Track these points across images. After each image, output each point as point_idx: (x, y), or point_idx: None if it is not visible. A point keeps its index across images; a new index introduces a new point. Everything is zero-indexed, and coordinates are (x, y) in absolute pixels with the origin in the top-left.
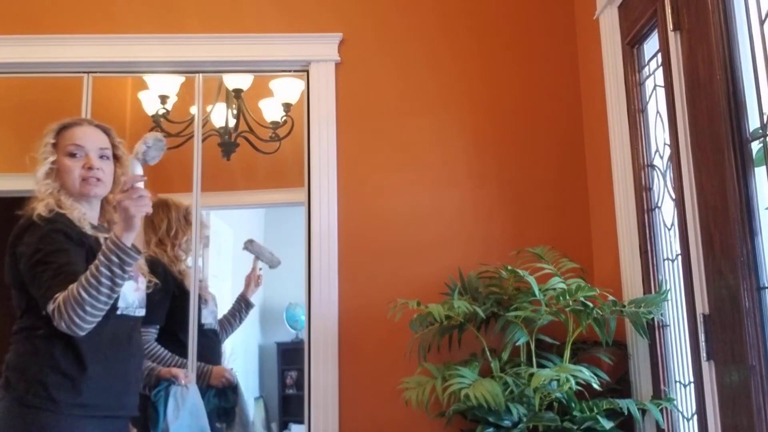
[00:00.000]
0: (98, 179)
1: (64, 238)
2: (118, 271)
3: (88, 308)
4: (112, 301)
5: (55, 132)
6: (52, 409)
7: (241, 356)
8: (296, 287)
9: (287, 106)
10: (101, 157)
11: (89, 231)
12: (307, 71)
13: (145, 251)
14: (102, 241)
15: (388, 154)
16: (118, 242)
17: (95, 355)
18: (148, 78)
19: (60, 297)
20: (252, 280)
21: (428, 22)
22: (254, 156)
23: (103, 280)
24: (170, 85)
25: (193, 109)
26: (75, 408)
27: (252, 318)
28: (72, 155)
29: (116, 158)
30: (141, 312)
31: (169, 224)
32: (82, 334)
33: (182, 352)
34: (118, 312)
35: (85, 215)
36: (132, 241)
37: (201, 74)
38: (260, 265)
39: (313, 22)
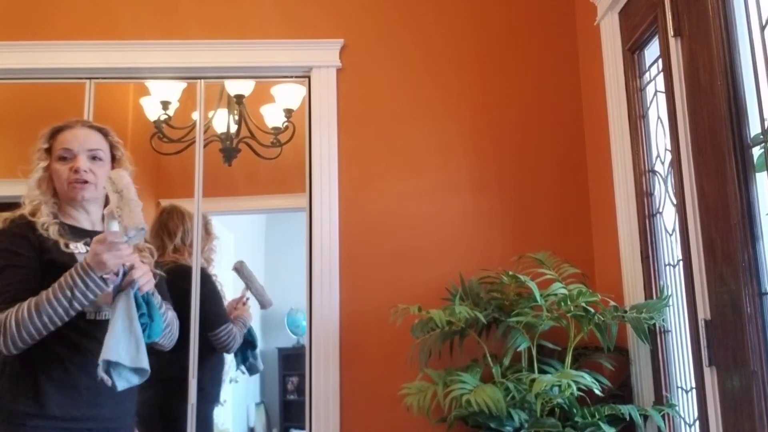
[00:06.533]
0: (85, 181)
1: (16, 252)
2: (80, 296)
3: (32, 329)
4: (59, 324)
5: (48, 137)
6: (10, 421)
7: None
8: (297, 293)
9: (288, 112)
10: (93, 158)
11: (54, 236)
12: (309, 77)
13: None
14: (62, 246)
15: (390, 159)
16: (88, 270)
17: (58, 364)
18: (150, 84)
19: (5, 315)
20: (235, 305)
21: (429, 28)
22: (255, 161)
23: (63, 301)
24: (172, 90)
25: (195, 115)
26: (37, 419)
27: (253, 323)
28: (62, 159)
29: (115, 159)
30: None
31: (184, 232)
32: (16, 353)
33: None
34: (88, 317)
35: (56, 224)
36: (108, 274)
37: (203, 80)
38: (248, 295)
39: (315, 28)
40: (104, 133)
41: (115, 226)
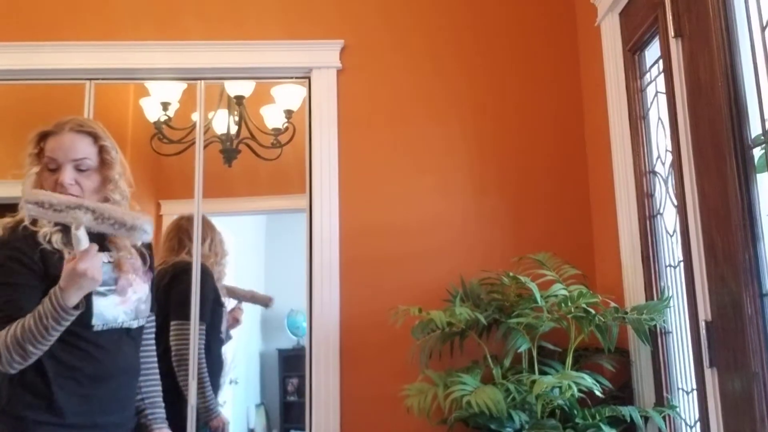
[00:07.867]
0: (73, 196)
1: (19, 266)
2: (52, 329)
3: (22, 352)
4: (46, 346)
5: (36, 141)
6: (22, 429)
7: (243, 363)
8: (297, 294)
9: (289, 113)
10: (79, 168)
11: (58, 246)
12: (309, 78)
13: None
14: (68, 256)
15: (390, 160)
16: (60, 300)
17: (69, 376)
18: (150, 85)
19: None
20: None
21: (429, 29)
22: (256, 162)
23: (37, 331)
24: (172, 91)
25: (195, 116)
26: (51, 427)
27: (253, 325)
28: (50, 169)
29: (104, 162)
30: (134, 324)
31: (212, 242)
32: (13, 372)
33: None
34: (95, 329)
35: (58, 231)
36: (78, 298)
37: (203, 81)
38: (242, 306)
39: (315, 28)
40: (94, 137)
41: (83, 243)
